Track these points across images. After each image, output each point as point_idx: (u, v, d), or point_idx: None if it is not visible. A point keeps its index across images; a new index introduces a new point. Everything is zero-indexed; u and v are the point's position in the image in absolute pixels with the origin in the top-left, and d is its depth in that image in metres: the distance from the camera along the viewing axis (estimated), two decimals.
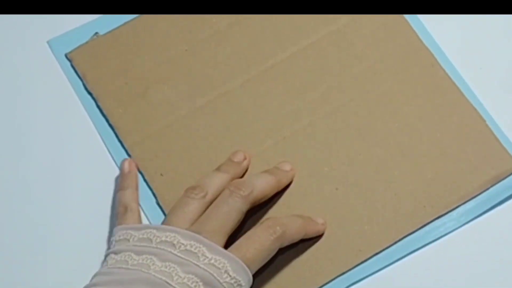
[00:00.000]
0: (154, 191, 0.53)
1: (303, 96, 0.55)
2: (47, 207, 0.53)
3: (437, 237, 0.51)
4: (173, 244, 0.46)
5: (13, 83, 0.57)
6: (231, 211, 0.49)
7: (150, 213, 0.53)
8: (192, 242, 0.46)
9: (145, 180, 0.53)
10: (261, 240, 0.48)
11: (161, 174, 0.53)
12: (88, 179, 0.54)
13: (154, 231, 0.47)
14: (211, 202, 0.50)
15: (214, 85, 0.56)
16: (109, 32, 0.58)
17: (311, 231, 0.51)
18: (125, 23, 0.58)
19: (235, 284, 0.46)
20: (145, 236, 0.47)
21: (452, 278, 0.50)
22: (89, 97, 0.56)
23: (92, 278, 0.47)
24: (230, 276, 0.46)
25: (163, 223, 0.50)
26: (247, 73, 0.56)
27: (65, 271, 0.52)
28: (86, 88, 0.56)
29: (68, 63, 0.57)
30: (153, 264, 0.45)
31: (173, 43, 0.57)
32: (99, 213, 0.53)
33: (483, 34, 0.58)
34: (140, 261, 0.46)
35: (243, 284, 0.47)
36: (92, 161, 0.55)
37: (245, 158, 0.53)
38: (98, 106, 0.56)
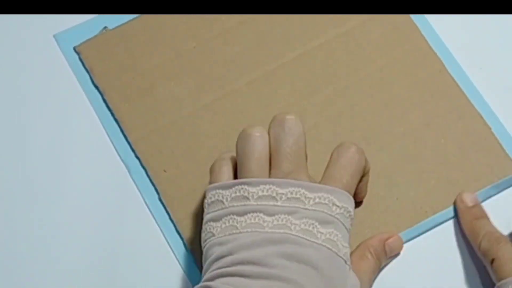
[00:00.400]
0: (157, 187, 0.53)
1: (309, 98, 0.55)
2: (51, 200, 0.53)
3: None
4: (273, 197, 0.46)
5: (19, 77, 0.57)
6: (295, 140, 0.48)
7: (153, 208, 0.53)
8: (291, 189, 0.46)
9: (148, 176, 0.53)
10: (348, 161, 0.48)
11: (164, 171, 0.53)
12: (92, 173, 0.54)
13: (246, 186, 0.46)
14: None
15: (220, 83, 0.56)
16: (118, 26, 0.58)
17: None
18: (134, 19, 0.58)
19: (345, 213, 0.46)
20: (238, 194, 0.47)
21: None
22: (95, 91, 0.56)
23: (207, 251, 0.46)
24: (338, 207, 0.46)
25: (241, 171, 0.48)
26: (254, 72, 0.56)
27: (70, 266, 0.52)
28: (93, 82, 0.56)
29: (75, 57, 0.57)
30: (263, 221, 0.45)
31: (181, 40, 0.57)
32: (103, 206, 0.53)
33: (493, 35, 0.58)
34: (249, 221, 0.45)
35: (351, 210, 0.47)
36: (97, 156, 0.55)
37: None
38: (104, 100, 0.56)
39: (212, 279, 0.44)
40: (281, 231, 0.45)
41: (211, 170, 0.49)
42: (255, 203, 0.46)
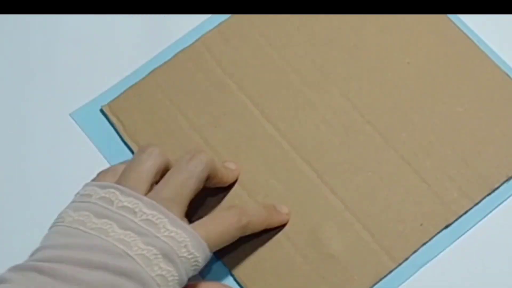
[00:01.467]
0: None
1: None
2: None
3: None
4: (135, 212, 0.45)
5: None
6: (190, 178, 0.48)
7: None
8: (155, 213, 0.45)
9: None
10: (226, 224, 0.48)
11: None
12: None
13: (118, 193, 0.46)
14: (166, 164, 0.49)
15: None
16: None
17: (274, 222, 0.51)
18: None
19: (192, 260, 0.45)
20: (107, 195, 0.46)
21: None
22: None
23: (49, 233, 0.46)
24: (188, 251, 0.45)
25: (120, 177, 0.48)
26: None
27: None
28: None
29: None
30: (112, 231, 0.44)
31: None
32: None
33: None
34: (99, 226, 0.44)
35: (200, 261, 0.46)
36: None
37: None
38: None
39: (20, 269, 0.43)
40: (122, 247, 0.44)
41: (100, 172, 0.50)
42: (115, 210, 0.45)
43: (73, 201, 0.48)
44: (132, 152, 0.55)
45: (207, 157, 0.49)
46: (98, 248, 0.43)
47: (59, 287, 0.41)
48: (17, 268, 0.43)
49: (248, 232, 0.49)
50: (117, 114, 0.56)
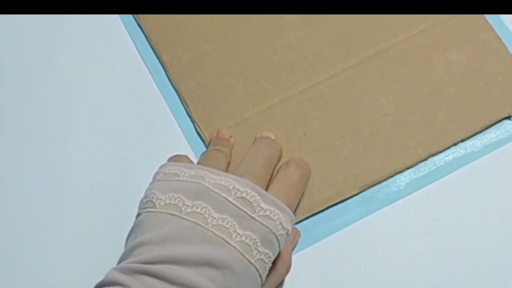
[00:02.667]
0: None
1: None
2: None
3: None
4: (229, 189, 0.44)
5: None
6: (268, 157, 0.50)
7: None
8: (248, 190, 0.44)
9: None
10: (294, 184, 0.50)
11: None
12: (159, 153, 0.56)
13: (207, 172, 0.45)
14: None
15: (291, 83, 0.59)
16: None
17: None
18: None
19: (285, 235, 0.45)
20: (197, 174, 0.45)
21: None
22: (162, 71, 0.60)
23: (142, 219, 0.44)
24: (283, 228, 0.45)
25: (199, 160, 0.51)
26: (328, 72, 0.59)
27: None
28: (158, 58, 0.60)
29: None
30: (209, 215, 0.43)
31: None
32: None
33: None
34: (195, 209, 0.43)
35: (290, 233, 0.46)
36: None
37: (231, 136, 0.55)
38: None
39: (131, 271, 0.41)
40: (222, 235, 0.43)
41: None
42: (208, 186, 0.44)
43: (157, 180, 0.46)
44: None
45: (278, 144, 0.53)
46: (198, 238, 0.42)
47: None
48: (125, 270, 0.41)
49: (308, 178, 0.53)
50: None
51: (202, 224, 0.43)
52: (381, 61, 0.59)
